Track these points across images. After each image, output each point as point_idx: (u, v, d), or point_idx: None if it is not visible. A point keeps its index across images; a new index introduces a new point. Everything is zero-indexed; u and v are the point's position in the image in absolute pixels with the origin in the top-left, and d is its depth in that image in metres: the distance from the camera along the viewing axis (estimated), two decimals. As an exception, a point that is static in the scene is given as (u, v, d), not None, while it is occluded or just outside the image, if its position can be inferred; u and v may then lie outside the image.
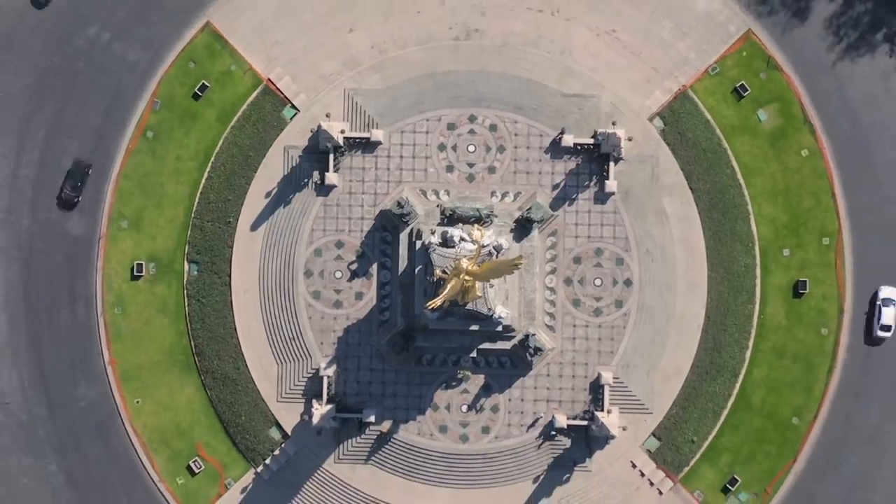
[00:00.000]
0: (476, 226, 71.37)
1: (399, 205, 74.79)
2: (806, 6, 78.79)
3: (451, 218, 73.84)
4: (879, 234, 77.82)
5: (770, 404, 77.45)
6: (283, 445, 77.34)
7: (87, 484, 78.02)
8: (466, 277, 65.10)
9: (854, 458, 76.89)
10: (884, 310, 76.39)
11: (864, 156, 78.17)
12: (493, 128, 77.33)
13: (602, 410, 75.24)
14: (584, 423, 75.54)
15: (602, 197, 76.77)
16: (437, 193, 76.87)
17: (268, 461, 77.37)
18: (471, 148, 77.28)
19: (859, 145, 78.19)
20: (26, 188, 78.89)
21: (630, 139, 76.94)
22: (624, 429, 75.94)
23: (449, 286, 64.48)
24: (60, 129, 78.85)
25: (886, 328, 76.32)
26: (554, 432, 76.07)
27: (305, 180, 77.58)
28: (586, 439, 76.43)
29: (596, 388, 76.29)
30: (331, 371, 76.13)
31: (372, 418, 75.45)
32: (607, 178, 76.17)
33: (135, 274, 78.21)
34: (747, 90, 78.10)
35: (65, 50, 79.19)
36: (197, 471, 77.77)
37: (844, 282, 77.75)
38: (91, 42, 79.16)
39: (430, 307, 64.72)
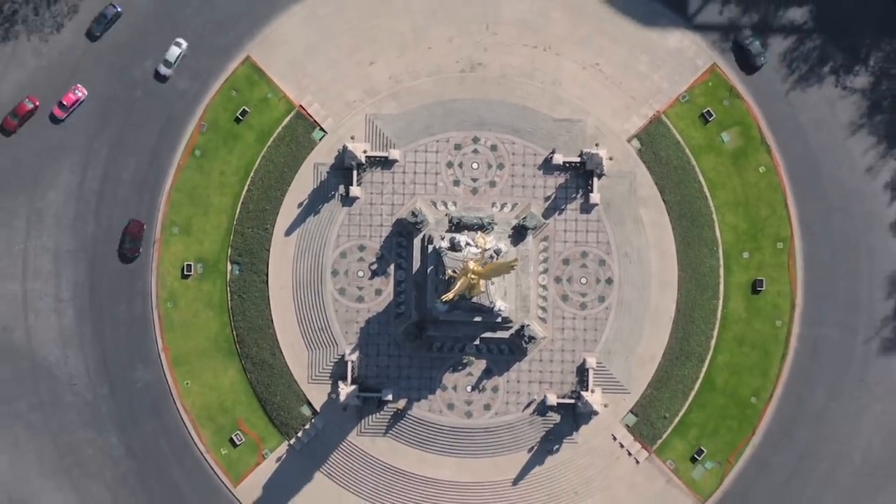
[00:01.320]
0: (479, 232, 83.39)
1: (413, 214, 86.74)
2: (763, 43, 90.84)
3: (457, 225, 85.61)
4: (826, 240, 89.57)
5: (732, 386, 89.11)
6: (312, 421, 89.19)
7: (143, 454, 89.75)
8: (472, 276, 77.11)
9: (804, 432, 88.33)
10: None
11: (813, 172, 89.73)
12: (493, 148, 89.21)
13: (587, 390, 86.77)
14: (572, 401, 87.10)
15: (587, 207, 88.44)
16: (445, 204, 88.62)
17: (299, 434, 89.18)
18: (474, 165, 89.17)
19: (809, 163, 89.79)
20: (91, 199, 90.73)
21: (611, 158, 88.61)
22: (606, 406, 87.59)
23: (458, 284, 76.57)
24: (121, 148, 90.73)
25: None
26: (546, 409, 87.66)
27: (332, 193, 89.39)
28: (573, 415, 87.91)
29: (582, 372, 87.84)
30: (354, 356, 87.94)
31: (390, 397, 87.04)
32: (591, 191, 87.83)
33: (185, 273, 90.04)
34: (712, 115, 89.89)
35: (124, 80, 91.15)
36: (238, 443, 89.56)
37: (796, 281, 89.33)
38: (147, 73, 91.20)
39: (444, 300, 76.77)
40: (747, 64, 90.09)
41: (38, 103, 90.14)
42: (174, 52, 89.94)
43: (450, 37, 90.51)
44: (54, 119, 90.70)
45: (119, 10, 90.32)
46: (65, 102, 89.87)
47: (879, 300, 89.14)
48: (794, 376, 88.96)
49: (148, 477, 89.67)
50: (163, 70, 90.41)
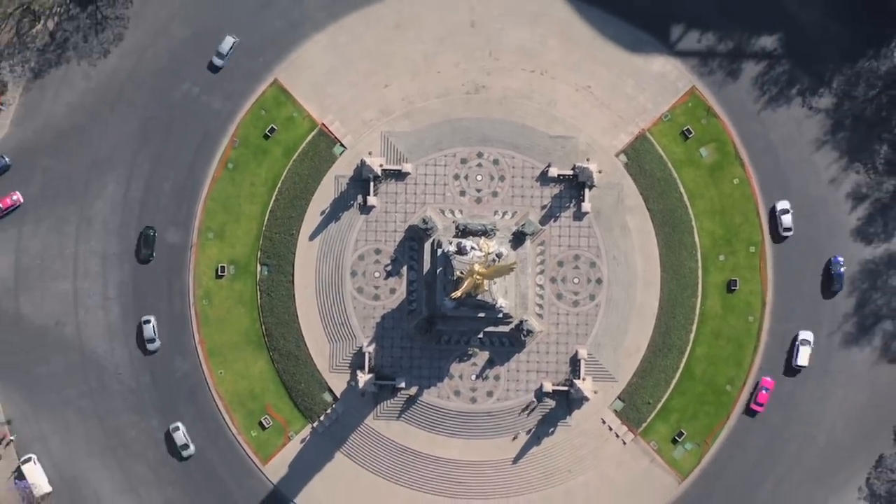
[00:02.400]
0: (483, 238, 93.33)
1: (424, 221, 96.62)
2: (737, 68, 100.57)
3: (463, 231, 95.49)
4: (793, 244, 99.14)
5: (709, 375, 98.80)
6: (333, 406, 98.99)
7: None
8: (477, 277, 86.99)
9: (774, 416, 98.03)
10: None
11: (782, 184, 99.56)
12: (495, 162, 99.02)
13: (579, 379, 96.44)
14: (565, 388, 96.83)
15: (579, 215, 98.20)
16: (452, 212, 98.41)
17: (322, 418, 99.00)
18: (478, 177, 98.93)
19: (778, 175, 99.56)
20: (134, 207, 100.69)
21: (601, 171, 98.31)
22: (596, 393, 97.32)
23: (465, 283, 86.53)
24: (161, 162, 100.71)
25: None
26: (542, 396, 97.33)
27: (351, 202, 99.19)
28: (567, 401, 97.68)
29: (574, 362, 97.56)
30: (371, 348, 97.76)
31: (403, 384, 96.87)
32: (583, 201, 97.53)
33: (219, 274, 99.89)
34: (692, 133, 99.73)
35: (164, 102, 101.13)
36: (266, 426, 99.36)
37: (766, 281, 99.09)
38: (184, 95, 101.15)
39: (453, 298, 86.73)
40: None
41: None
42: (227, 44, 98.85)
43: (456, 62, 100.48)
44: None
45: None
46: None
47: (842, 298, 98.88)
48: (764, 367, 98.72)
49: (185, 458, 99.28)
50: (216, 61, 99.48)
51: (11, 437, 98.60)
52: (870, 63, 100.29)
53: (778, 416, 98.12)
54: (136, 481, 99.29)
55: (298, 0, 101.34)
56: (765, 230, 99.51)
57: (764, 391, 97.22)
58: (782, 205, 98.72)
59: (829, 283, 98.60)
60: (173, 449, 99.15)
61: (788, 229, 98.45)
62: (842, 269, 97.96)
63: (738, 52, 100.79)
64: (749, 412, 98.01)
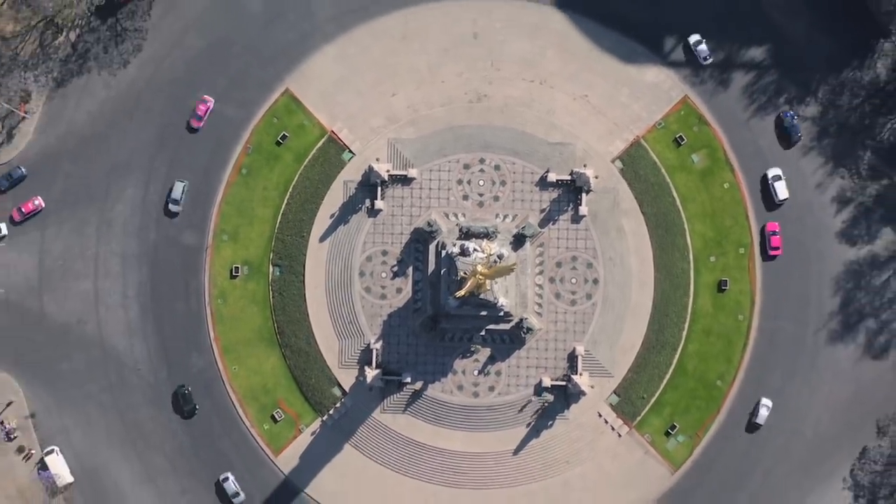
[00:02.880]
0: (485, 240, 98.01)
1: (428, 224, 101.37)
2: (727, 78, 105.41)
3: (466, 234, 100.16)
4: (783, 244, 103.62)
5: (700, 370, 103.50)
6: (342, 400, 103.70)
7: (198, 429, 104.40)
8: (479, 277, 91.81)
9: (762, 410, 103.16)
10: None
11: (769, 188, 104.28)
12: (497, 167, 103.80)
13: (577, 374, 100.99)
14: (564, 383, 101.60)
15: (577, 218, 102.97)
16: (456, 216, 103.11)
17: (331, 412, 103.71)
18: (481, 182, 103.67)
19: (766, 180, 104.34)
20: (152, 210, 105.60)
21: (597, 176, 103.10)
22: (592, 387, 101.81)
23: (468, 283, 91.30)
24: (178, 167, 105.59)
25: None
26: (541, 390, 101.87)
27: (359, 206, 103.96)
28: (565, 395, 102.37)
29: (572, 358, 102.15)
30: (378, 345, 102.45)
31: (408, 379, 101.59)
32: (580, 204, 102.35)
33: (233, 274, 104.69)
34: (684, 140, 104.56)
35: (180, 109, 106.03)
36: (278, 419, 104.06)
37: (755, 281, 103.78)
38: (198, 100, 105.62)
39: (457, 297, 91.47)
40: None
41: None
42: (178, 189, 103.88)
43: (460, 72, 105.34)
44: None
45: None
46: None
47: (827, 297, 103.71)
48: (753, 363, 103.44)
49: (201, 448, 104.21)
50: (172, 208, 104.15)
51: (13, 426, 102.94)
52: (854, 73, 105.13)
53: (767, 409, 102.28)
54: (154, 472, 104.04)
55: (308, 13, 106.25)
56: (754, 232, 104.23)
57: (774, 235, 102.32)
58: (774, 171, 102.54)
59: (786, 135, 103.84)
60: (189, 439, 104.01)
61: (783, 200, 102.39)
62: (795, 122, 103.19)
63: (728, 62, 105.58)
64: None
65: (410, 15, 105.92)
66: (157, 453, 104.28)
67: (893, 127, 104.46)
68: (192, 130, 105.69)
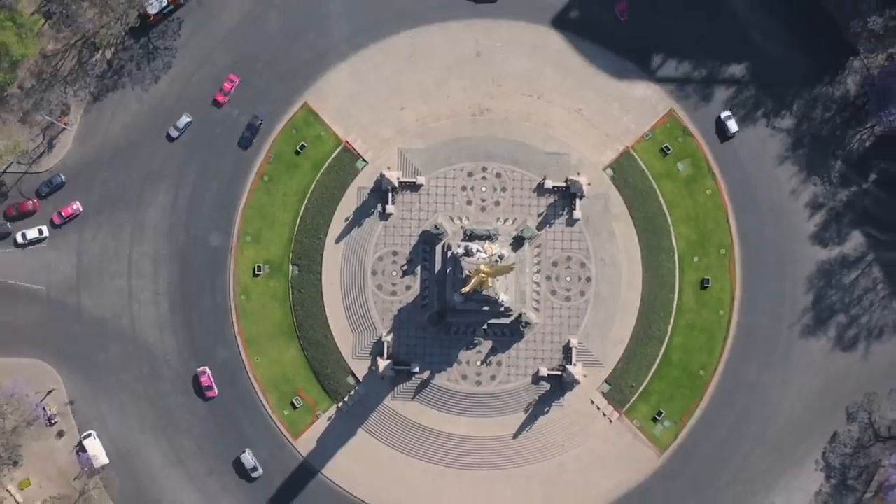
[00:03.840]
0: (487, 241, 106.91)
1: (435, 227, 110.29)
2: (710, 93, 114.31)
3: (470, 236, 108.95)
4: (759, 247, 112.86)
5: (685, 362, 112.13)
6: (356, 388, 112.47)
7: (223, 415, 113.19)
8: (482, 275, 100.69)
9: (741, 398, 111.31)
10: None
11: (749, 194, 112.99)
12: (498, 175, 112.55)
13: (571, 364, 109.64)
14: (559, 372, 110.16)
15: (571, 222, 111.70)
16: (460, 219, 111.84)
17: (346, 399, 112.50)
18: (483, 189, 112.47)
19: (746, 187, 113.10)
20: (182, 214, 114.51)
21: (590, 183, 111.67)
22: (585, 377, 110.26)
23: (472, 281, 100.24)
24: (205, 173, 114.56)
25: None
26: (539, 379, 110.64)
27: (372, 210, 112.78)
28: (560, 384, 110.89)
29: (567, 350, 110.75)
30: (389, 338, 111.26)
31: (417, 369, 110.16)
32: (575, 209, 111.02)
33: (255, 273, 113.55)
34: (670, 149, 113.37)
35: (207, 122, 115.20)
36: (297, 406, 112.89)
37: (735, 279, 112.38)
38: (226, 115, 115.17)
39: (463, 293, 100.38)
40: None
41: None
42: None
43: (463, 88, 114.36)
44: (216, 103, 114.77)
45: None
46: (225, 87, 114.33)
47: (801, 295, 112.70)
48: (733, 354, 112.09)
49: (226, 433, 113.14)
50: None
51: (54, 412, 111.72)
52: (826, 88, 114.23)
53: (744, 399, 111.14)
54: (183, 454, 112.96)
55: (324, 34, 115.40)
56: (734, 235, 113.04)
57: None
58: (725, 113, 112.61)
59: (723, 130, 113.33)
60: (214, 424, 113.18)
61: (733, 134, 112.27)
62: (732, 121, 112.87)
63: (710, 78, 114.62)
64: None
65: (417, 35, 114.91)
66: (185, 437, 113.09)
67: (862, 138, 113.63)
68: (217, 141, 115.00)
